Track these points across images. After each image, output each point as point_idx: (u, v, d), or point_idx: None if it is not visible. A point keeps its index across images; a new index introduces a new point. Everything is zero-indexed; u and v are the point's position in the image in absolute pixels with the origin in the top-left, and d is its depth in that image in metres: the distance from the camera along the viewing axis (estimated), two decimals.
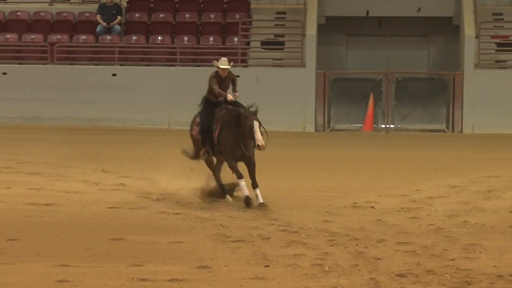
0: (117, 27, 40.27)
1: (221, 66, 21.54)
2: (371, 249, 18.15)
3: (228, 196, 21.85)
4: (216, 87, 21.19)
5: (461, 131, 38.25)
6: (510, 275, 16.23)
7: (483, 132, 37.27)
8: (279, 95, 38.06)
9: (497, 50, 39.78)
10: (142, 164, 28.37)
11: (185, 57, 39.42)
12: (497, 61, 39.67)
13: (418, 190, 24.39)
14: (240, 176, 20.67)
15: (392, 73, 39.65)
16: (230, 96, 21.00)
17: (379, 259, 17.32)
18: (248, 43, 40.44)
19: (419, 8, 41.21)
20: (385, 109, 39.37)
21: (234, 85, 21.84)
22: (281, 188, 24.76)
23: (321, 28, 40.60)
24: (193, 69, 38.96)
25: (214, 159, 21.99)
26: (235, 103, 21.14)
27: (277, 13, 41.43)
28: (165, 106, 38.12)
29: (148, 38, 40.56)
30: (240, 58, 39.46)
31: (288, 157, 30.81)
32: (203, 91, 37.93)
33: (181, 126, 37.18)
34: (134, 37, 40.40)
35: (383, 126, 39.26)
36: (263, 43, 40.54)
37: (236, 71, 38.79)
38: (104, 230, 19.62)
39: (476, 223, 20.70)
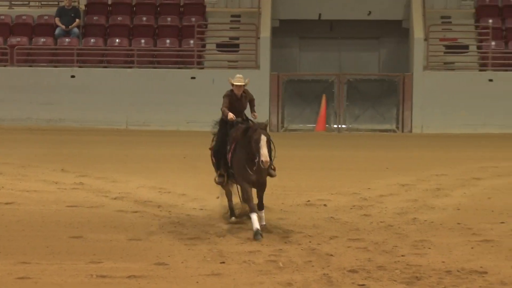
0: (76, 30, 40.14)
1: (236, 83, 19.34)
2: (324, 246, 18.23)
3: (233, 218, 20.06)
4: (224, 107, 19.01)
5: (411, 131, 38.41)
6: (458, 271, 16.34)
7: (432, 132, 37.44)
8: None
9: (445, 52, 39.95)
10: (100, 163, 28.32)
11: (142, 59, 39.33)
12: (445, 63, 39.84)
13: (369, 188, 24.49)
14: (254, 210, 18.26)
15: (344, 74, 39.75)
16: (231, 115, 18.70)
17: (331, 255, 17.39)
18: (203, 46, 40.42)
19: (370, 12, 41.35)
20: (337, 109, 39.45)
21: (252, 105, 19.83)
22: (234, 187, 24.79)
23: (275, 31, 40.65)
24: (150, 71, 38.98)
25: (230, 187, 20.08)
26: (245, 122, 19.13)
27: (232, 16, 41.43)
28: (122, 107, 38.05)
29: (106, 41, 40.47)
30: (196, 60, 39.48)
31: None
32: (160, 92, 38.29)
33: (139, 127, 37.33)
34: (92, 40, 40.28)
35: (335, 126, 39.35)
36: (218, 45, 40.52)
37: (192, 73, 39.12)
38: (64, 228, 19.59)
39: (425, 220, 20.81)
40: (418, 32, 39.43)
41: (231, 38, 40.75)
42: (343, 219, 20.83)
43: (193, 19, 40.63)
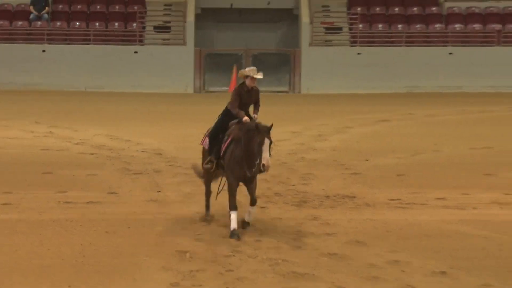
0: (46, 15, 39.62)
1: (255, 76, 14.03)
2: None
3: (209, 213, 14.77)
4: (234, 105, 13.99)
5: (300, 92, 38.51)
6: (334, 196, 16.50)
7: (315, 92, 37.55)
8: (167, 66, 38.02)
9: (325, 33, 40.11)
10: (65, 117, 28.07)
11: (97, 38, 39.06)
12: (325, 41, 39.99)
13: None
14: (233, 208, 13.55)
15: (250, 49, 39.80)
16: (246, 118, 13.82)
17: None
18: (144, 28, 40.17)
19: (269, 2, 41.42)
20: None
21: (257, 105, 14.40)
22: (170, 134, 24.73)
23: (198, 17, 40.48)
24: (102, 47, 38.71)
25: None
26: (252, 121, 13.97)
27: (165, 5, 41.19)
28: (82, 74, 37.66)
29: (69, 24, 40.04)
30: (138, 38, 39.26)
31: (175, 112, 30.74)
32: (110, 63, 38.06)
33: (95, 90, 37.03)
34: (58, 23, 39.81)
35: None
36: (155, 27, 40.36)
37: (135, 48, 38.92)
38: (38, 166, 19.42)
39: (310, 158, 20.93)
40: (305, 17, 39.57)
41: (164, 21, 40.58)
42: None
43: (136, 7, 40.34)
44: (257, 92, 14.17)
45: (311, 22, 39.56)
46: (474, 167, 19.67)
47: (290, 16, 41.53)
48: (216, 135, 14.16)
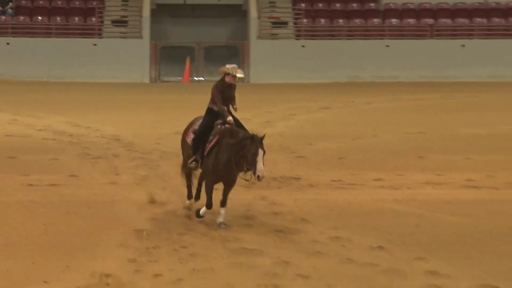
0: (10, 10, 39.21)
1: (239, 75, 13.23)
2: None
3: (189, 202, 13.81)
4: (219, 103, 13.05)
5: (249, 82, 38.49)
6: (281, 177, 16.55)
7: (263, 82, 37.57)
8: (124, 58, 37.83)
9: (272, 27, 40.16)
10: (29, 105, 27.81)
11: (58, 31, 38.76)
12: (272, 34, 40.04)
13: None
14: (209, 206, 12.81)
15: (202, 42, 39.74)
16: (230, 118, 12.95)
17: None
18: (102, 22, 39.88)
19: None
20: (197, 66, 39.50)
21: (233, 97, 13.42)
22: (127, 121, 24.63)
23: (153, 12, 40.28)
24: (64, 40, 38.40)
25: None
26: (236, 123, 13.22)
27: (123, 0, 40.98)
28: (45, 65, 37.33)
29: (32, 18, 39.64)
30: (96, 32, 39.02)
31: (132, 100, 30.61)
32: (71, 55, 37.75)
33: (56, 80, 36.69)
34: (21, 17, 39.44)
35: (196, 78, 39.36)
36: (113, 21, 40.10)
37: (94, 41, 38.67)
38: (3, 151, 19.25)
39: None
40: (253, 12, 39.60)
41: (122, 16, 40.33)
42: None
43: (95, 3, 40.10)
44: (235, 86, 13.35)
45: (259, 17, 39.62)
46: (409, 150, 19.83)
47: (239, 12, 41.50)
48: (202, 135, 13.05)
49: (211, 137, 12.89)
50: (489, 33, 39.65)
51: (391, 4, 40.77)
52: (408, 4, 40.73)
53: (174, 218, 13.26)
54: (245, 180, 12.54)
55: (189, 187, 13.80)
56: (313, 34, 39.88)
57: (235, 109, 13.28)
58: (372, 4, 40.93)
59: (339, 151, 19.64)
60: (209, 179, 12.81)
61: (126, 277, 10.35)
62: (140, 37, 39.13)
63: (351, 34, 39.65)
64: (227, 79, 13.14)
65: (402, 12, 40.50)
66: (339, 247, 11.70)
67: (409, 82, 36.86)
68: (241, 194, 15.08)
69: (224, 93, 13.07)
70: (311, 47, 38.82)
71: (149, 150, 19.54)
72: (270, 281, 10.26)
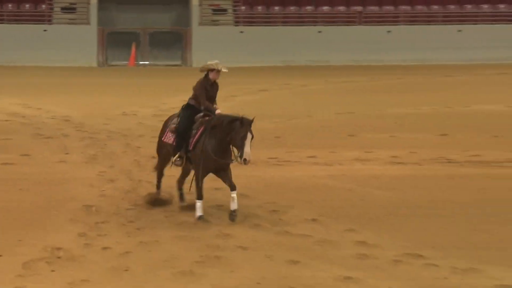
0: None
1: (223, 70, 12.13)
2: (135, 141, 18.14)
3: (182, 202, 12.61)
4: (204, 99, 11.97)
5: (191, 65, 38.38)
6: None
7: None
8: (73, 43, 37.45)
9: (212, 14, 40.05)
10: None
11: (10, 18, 38.22)
12: (212, 21, 39.93)
13: (164, 103, 24.41)
14: (200, 197, 11.71)
15: (147, 28, 39.51)
16: (219, 111, 11.93)
17: (140, 147, 17.33)
18: (52, 9, 39.38)
19: None
20: (142, 51, 39.26)
21: (215, 96, 12.35)
22: (76, 102, 24.40)
23: None
24: (15, 26, 37.97)
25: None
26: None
27: None
28: None
29: None
30: (47, 18, 38.57)
31: (80, 83, 30.32)
32: (23, 40, 37.18)
33: (8, 64, 36.21)
34: None
35: (141, 62, 39.11)
36: (62, 8, 39.65)
37: (44, 27, 38.19)
38: None
39: None
40: (195, 0, 39.51)
41: (70, 3, 39.91)
42: (147, 123, 20.75)
43: None
44: (217, 85, 12.16)
45: (200, 5, 39.50)
46: (340, 129, 19.96)
47: None
48: (184, 131, 11.91)
49: (194, 131, 11.86)
50: (413, 20, 40.01)
51: None
52: None
53: (121, 195, 13.19)
54: (231, 162, 11.60)
55: (158, 187, 12.72)
56: (251, 21, 39.86)
57: (216, 108, 12.04)
58: None
59: (275, 131, 19.69)
60: (199, 171, 11.69)
61: (76, 250, 10.28)
62: (88, 23, 38.77)
63: (286, 21, 39.72)
64: (211, 75, 11.99)
65: (333, 0, 40.66)
66: (276, 220, 11.75)
67: (339, 65, 37.06)
68: None
69: (208, 90, 11.95)
70: (249, 33, 38.82)
71: (97, 130, 19.39)
72: (212, 252, 10.27)
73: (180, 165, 12.11)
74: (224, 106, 23.88)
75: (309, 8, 40.44)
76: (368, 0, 40.72)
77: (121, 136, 18.71)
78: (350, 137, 18.83)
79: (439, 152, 16.57)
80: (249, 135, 11.48)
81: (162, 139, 12.42)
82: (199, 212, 11.66)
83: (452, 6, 40.67)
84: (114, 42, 39.13)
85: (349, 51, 38.05)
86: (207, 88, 11.93)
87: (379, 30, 39.13)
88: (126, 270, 9.59)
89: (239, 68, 36.63)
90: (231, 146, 11.63)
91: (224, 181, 11.88)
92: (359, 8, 40.27)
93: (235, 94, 26.84)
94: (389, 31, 39.13)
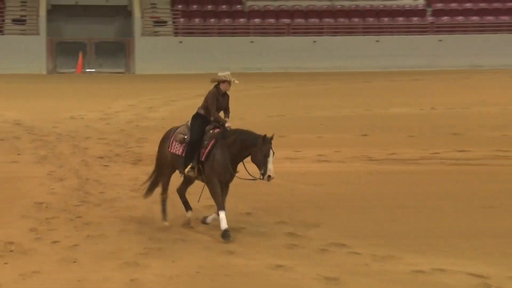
0: None
1: (236, 82, 11.05)
2: (82, 143, 17.92)
3: (189, 212, 11.25)
4: (214, 110, 10.91)
5: (134, 73, 38.16)
6: None
7: (147, 73, 37.26)
8: (24, 52, 37.00)
9: (153, 25, 39.85)
10: None
11: None
12: (154, 32, 39.72)
13: (109, 107, 24.20)
14: (222, 207, 10.49)
15: (93, 39, 39.18)
16: (228, 124, 10.82)
17: (87, 148, 17.13)
18: (3, 20, 38.77)
19: (108, 0, 40.85)
20: (89, 60, 38.93)
21: (227, 108, 11.23)
22: (27, 107, 24.02)
23: (49, 12, 39.46)
24: None
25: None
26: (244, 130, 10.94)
27: (21, 1, 39.98)
28: None
29: None
30: None
31: (31, 89, 29.90)
32: None
33: None
34: None
35: (88, 70, 38.76)
36: (13, 20, 39.07)
37: None
38: None
39: (144, 126, 20.79)
40: (137, 13, 39.27)
41: (21, 15, 39.36)
42: (94, 126, 20.54)
43: None
44: (228, 97, 11.13)
45: (142, 17, 39.27)
46: (271, 130, 19.86)
47: (125, 12, 41.04)
48: (197, 141, 10.78)
49: (205, 142, 10.75)
50: (336, 31, 40.36)
51: (254, 6, 41.04)
52: (269, 6, 41.09)
53: (70, 192, 13.01)
54: (253, 179, 10.55)
55: (164, 201, 11.22)
56: (189, 32, 39.78)
57: (227, 120, 10.96)
58: (238, 6, 41.10)
59: None
60: (214, 182, 10.60)
61: (27, 244, 10.10)
62: (38, 34, 38.29)
63: (221, 32, 39.70)
64: (223, 86, 10.98)
65: (264, 13, 40.80)
66: (212, 213, 11.67)
67: (270, 72, 37.19)
68: (129, 170, 14.92)
69: (219, 101, 10.96)
70: (187, 43, 38.75)
71: (47, 133, 19.09)
72: (155, 244, 10.19)
73: (192, 176, 10.81)
74: (165, 110, 23.89)
75: (242, 20, 40.50)
76: (295, 13, 40.97)
77: (69, 138, 18.45)
78: (280, 138, 18.83)
79: (361, 150, 16.71)
80: (271, 153, 10.48)
81: (169, 149, 11.03)
82: (224, 225, 10.32)
83: (370, 19, 41.14)
84: (63, 51, 38.76)
85: (278, 59, 38.24)
86: (219, 99, 10.94)
87: (306, 40, 39.38)
88: (75, 262, 9.45)
89: (178, 75, 36.52)
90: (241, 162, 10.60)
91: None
92: (287, 21, 40.49)
93: (175, 99, 26.75)
94: (314, 41, 39.40)
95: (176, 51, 38.25)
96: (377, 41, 39.49)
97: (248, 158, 10.57)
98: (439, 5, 41.81)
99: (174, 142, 11.02)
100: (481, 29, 40.42)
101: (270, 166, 10.36)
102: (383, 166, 15.44)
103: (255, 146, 10.45)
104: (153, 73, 37.08)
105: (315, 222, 11.18)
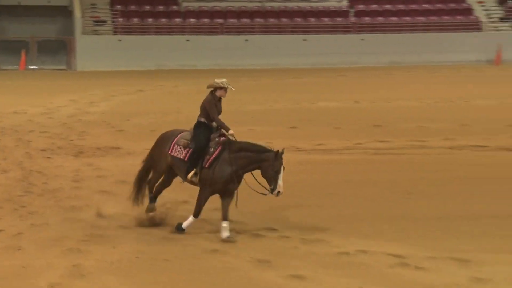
0: None
1: (233, 88, 10.63)
2: (26, 136, 17.59)
3: (153, 206, 10.63)
4: (217, 116, 10.34)
5: (76, 70, 37.57)
6: (104, 147, 16.23)
7: (88, 70, 36.73)
8: None
9: (93, 25, 39.29)
10: None
11: None
12: (94, 30, 39.16)
13: (52, 103, 23.78)
14: (197, 215, 10.11)
15: (35, 37, 38.46)
16: (231, 131, 10.23)
17: (30, 141, 16.82)
18: None
19: (50, 1, 40.14)
20: (31, 57, 38.31)
21: (220, 111, 10.61)
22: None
23: None
24: None
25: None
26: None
27: None
28: None
29: None
30: None
31: None
32: None
33: None
34: None
35: (30, 67, 38.06)
36: None
37: None
38: None
39: (85, 120, 20.52)
40: (77, 13, 38.63)
41: None
42: (37, 120, 20.17)
43: None
44: (221, 101, 10.54)
45: (82, 16, 38.68)
46: None
47: (66, 12, 40.38)
48: (202, 148, 10.16)
49: (211, 149, 10.14)
50: (266, 30, 40.48)
51: (189, 7, 40.86)
52: (203, 7, 40.95)
53: (14, 183, 12.77)
54: (262, 194, 9.97)
55: (152, 198, 10.64)
56: (127, 31, 39.35)
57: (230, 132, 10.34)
58: (174, 7, 40.86)
59: (151, 125, 19.50)
60: (207, 190, 10.06)
61: None
62: None
63: (159, 30, 39.42)
64: (219, 93, 10.40)
65: (199, 13, 40.65)
66: None
67: (205, 69, 37.04)
68: (71, 162, 14.71)
69: (217, 107, 10.37)
70: (126, 41, 38.33)
71: None
72: (97, 231, 10.09)
73: (195, 182, 10.16)
74: (105, 105, 23.61)
75: (178, 20, 40.27)
76: (228, 13, 40.94)
77: (13, 132, 18.08)
78: None
79: (290, 142, 16.79)
80: (282, 168, 9.88)
81: (169, 152, 10.37)
82: (226, 233, 9.83)
83: (298, 19, 41.37)
84: (6, 49, 37.99)
85: (213, 57, 38.15)
86: (216, 105, 10.34)
87: (238, 39, 39.38)
88: (19, 249, 9.29)
89: (118, 71, 36.10)
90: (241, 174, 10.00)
91: (224, 206, 10.06)
92: (221, 21, 40.43)
93: (115, 94, 26.46)
94: (246, 40, 39.44)
95: (115, 49, 37.79)
96: (304, 40, 39.74)
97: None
98: (361, 7, 42.31)
99: (176, 146, 10.39)
100: (399, 28, 41.06)
101: (280, 182, 9.82)
102: (311, 156, 15.56)
103: (265, 161, 9.90)
104: (94, 70, 36.55)
105: (249, 209, 11.18)
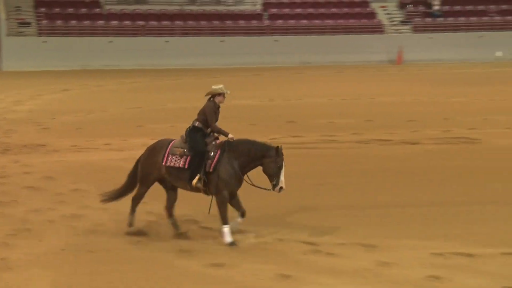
0: None
1: (228, 92, 9.94)
2: None
3: (133, 218, 9.76)
4: (215, 124, 9.69)
5: (1, 70, 36.54)
6: (30, 145, 15.84)
7: (14, 70, 35.73)
8: None
9: (18, 27, 38.26)
10: None
11: None
12: (19, 32, 38.19)
13: None
14: (226, 222, 9.30)
15: None
16: (231, 135, 9.51)
17: None
18: None
19: None
20: None
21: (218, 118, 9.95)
22: None
23: None
24: None
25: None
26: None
27: None
28: None
29: None
30: None
31: None
32: None
33: None
34: None
35: None
36: None
37: None
38: None
39: (11, 118, 20.03)
40: (2, 14, 37.81)
41: None
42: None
43: None
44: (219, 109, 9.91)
45: (7, 19, 37.67)
46: (130, 121, 19.73)
47: None
48: (203, 154, 9.46)
49: (211, 154, 9.46)
50: (186, 32, 40.32)
51: (112, 9, 40.31)
52: (125, 10, 40.47)
53: None
54: (265, 189, 9.54)
55: (134, 208, 9.79)
56: (52, 32, 38.56)
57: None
58: (97, 9, 40.22)
59: (76, 123, 19.15)
60: (223, 194, 9.38)
61: None
62: None
63: (82, 32, 38.73)
64: (218, 99, 9.83)
65: (121, 16, 40.14)
66: (79, 197, 11.42)
67: (128, 69, 36.63)
68: None
69: (216, 114, 9.77)
70: (51, 42, 37.56)
71: None
72: (24, 226, 9.82)
73: (201, 187, 9.46)
74: (32, 103, 23.00)
75: (101, 22, 39.62)
76: (149, 16, 40.56)
77: None
78: (139, 128, 18.65)
79: None
80: (284, 165, 9.40)
81: (163, 163, 9.54)
82: (228, 238, 9.24)
83: (216, 22, 41.35)
84: None
85: (135, 57, 37.78)
86: (216, 112, 9.75)
87: (159, 41, 39.09)
88: None
89: (43, 72, 35.25)
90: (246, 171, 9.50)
91: (236, 206, 9.63)
92: (142, 23, 39.99)
93: (41, 93, 25.87)
94: (167, 41, 39.17)
95: (40, 50, 36.95)
96: (221, 41, 39.74)
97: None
98: (274, 10, 42.61)
99: (171, 156, 9.53)
100: (310, 31, 41.54)
101: (282, 177, 9.32)
102: None
103: (267, 157, 9.36)
104: (20, 70, 35.61)
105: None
